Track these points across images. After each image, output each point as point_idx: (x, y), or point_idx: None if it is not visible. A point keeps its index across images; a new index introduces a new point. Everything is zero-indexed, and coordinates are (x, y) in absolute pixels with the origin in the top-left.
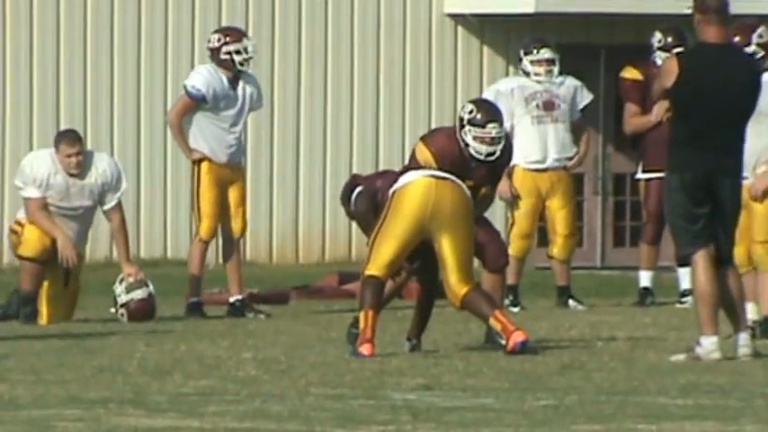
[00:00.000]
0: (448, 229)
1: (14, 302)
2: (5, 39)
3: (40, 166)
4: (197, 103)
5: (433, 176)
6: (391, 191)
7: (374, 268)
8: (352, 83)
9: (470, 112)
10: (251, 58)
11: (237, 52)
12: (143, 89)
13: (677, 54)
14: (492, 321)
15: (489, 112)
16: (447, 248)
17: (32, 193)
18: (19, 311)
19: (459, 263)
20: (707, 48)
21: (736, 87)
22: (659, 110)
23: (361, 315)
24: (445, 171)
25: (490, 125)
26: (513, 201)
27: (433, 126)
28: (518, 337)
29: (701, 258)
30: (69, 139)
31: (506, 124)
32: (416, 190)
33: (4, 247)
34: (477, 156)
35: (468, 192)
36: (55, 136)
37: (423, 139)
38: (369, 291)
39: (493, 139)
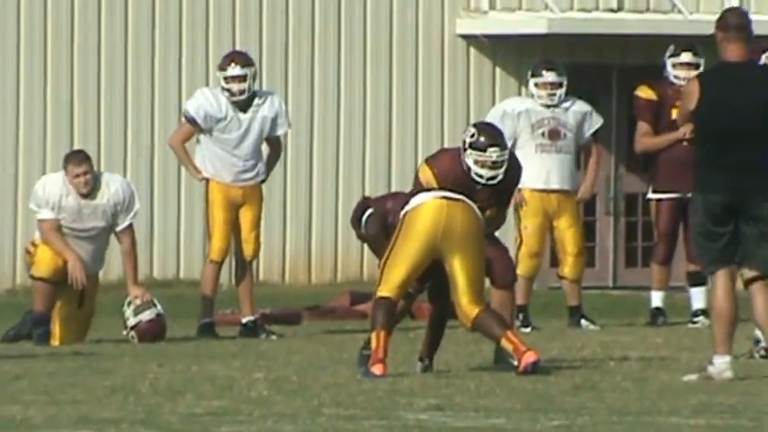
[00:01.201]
0: (458, 250)
1: (27, 323)
2: (19, 61)
3: (53, 188)
4: (193, 125)
5: (444, 197)
6: (402, 212)
7: (386, 289)
8: (365, 103)
9: (472, 135)
10: (240, 85)
11: (224, 79)
12: (156, 110)
13: (698, 75)
14: (503, 342)
15: (491, 136)
16: (458, 269)
17: (46, 214)
18: (32, 332)
19: (469, 284)
20: (728, 67)
21: (757, 106)
22: (686, 129)
23: (373, 335)
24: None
25: (491, 149)
26: (520, 203)
27: (446, 147)
28: (529, 357)
29: (720, 277)
30: (76, 160)
31: (508, 143)
32: (427, 211)
33: (17, 267)
34: (479, 179)
35: (480, 213)
36: (63, 158)
37: (427, 160)
38: (381, 312)
39: (494, 163)
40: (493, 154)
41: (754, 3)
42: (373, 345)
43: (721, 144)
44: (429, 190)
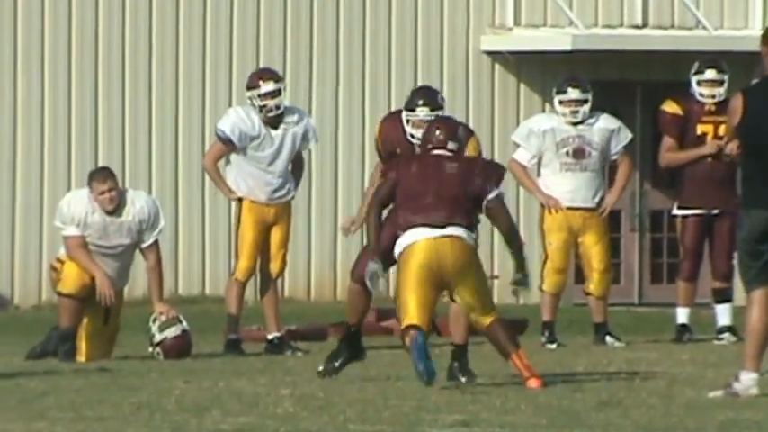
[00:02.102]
0: (458, 281)
1: (53, 339)
2: (44, 78)
3: (78, 205)
4: (227, 144)
5: (430, 237)
6: (397, 251)
7: (408, 318)
8: None
9: (407, 97)
10: (275, 100)
11: (258, 97)
12: (180, 127)
13: (743, 90)
14: (512, 360)
15: (421, 95)
16: (464, 295)
17: (71, 231)
18: (57, 348)
19: (477, 302)
20: None
21: None
22: (732, 145)
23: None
24: (389, 157)
25: (419, 109)
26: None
27: None
28: (532, 384)
29: (757, 295)
30: (101, 177)
31: (533, 161)
32: (418, 254)
33: (43, 284)
34: (412, 140)
35: (468, 239)
36: (88, 174)
37: (382, 120)
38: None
39: (421, 121)
40: (420, 113)
41: None
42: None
43: (765, 159)
44: (412, 227)
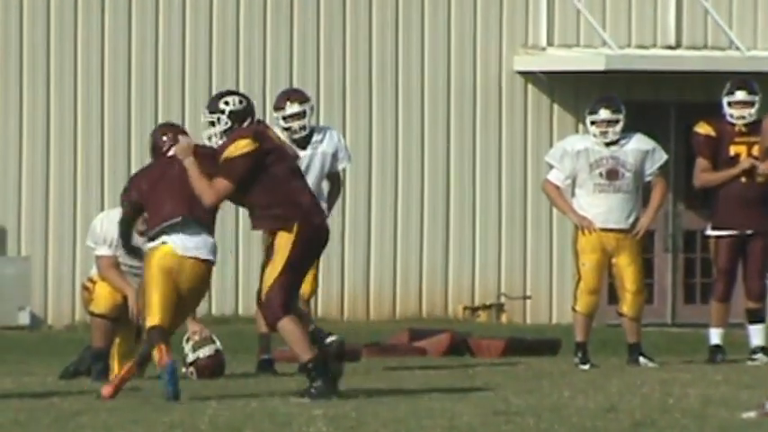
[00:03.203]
0: None
1: (86, 359)
2: (77, 98)
3: (110, 225)
4: None
5: None
6: None
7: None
8: (423, 140)
9: None
10: (300, 122)
11: (283, 119)
12: None
13: None
14: None
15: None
16: None
17: (103, 251)
18: (90, 368)
19: None
20: None
21: None
22: (765, 167)
23: None
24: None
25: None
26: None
27: (503, 184)
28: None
29: None
30: None
31: (567, 181)
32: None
33: (76, 304)
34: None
35: None
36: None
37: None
38: None
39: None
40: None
41: None
42: None
43: None
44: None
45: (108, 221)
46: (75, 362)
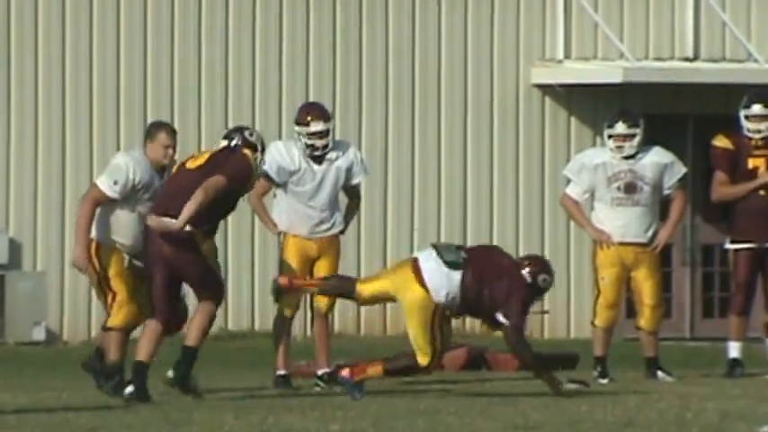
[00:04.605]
0: None
1: (98, 356)
2: (92, 114)
3: (138, 168)
4: (267, 179)
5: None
6: None
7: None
8: (440, 153)
9: None
10: (323, 140)
11: (307, 135)
12: None
13: None
14: None
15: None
16: None
17: (112, 193)
18: (104, 379)
19: None
20: None
21: None
22: None
23: None
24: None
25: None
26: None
27: (521, 197)
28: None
29: None
30: None
31: (585, 195)
32: None
33: (92, 320)
34: None
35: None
36: None
37: None
38: None
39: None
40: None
41: None
42: None
43: None
44: None
45: (135, 165)
46: (91, 357)
